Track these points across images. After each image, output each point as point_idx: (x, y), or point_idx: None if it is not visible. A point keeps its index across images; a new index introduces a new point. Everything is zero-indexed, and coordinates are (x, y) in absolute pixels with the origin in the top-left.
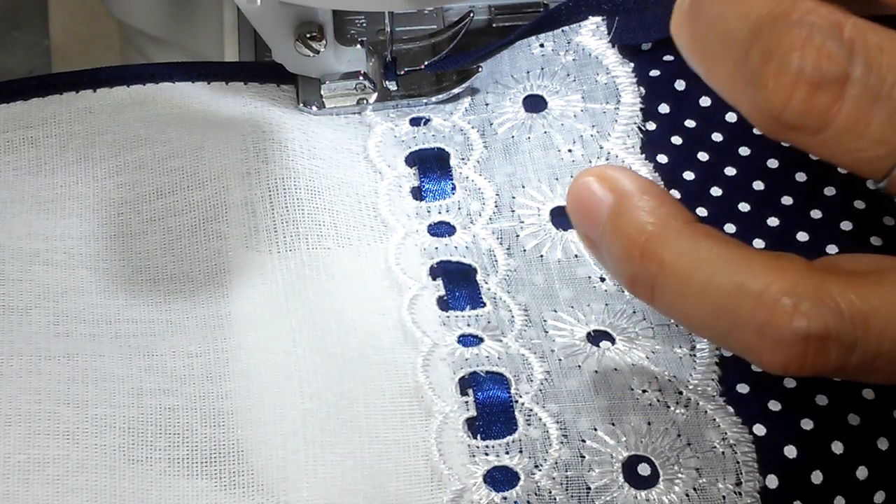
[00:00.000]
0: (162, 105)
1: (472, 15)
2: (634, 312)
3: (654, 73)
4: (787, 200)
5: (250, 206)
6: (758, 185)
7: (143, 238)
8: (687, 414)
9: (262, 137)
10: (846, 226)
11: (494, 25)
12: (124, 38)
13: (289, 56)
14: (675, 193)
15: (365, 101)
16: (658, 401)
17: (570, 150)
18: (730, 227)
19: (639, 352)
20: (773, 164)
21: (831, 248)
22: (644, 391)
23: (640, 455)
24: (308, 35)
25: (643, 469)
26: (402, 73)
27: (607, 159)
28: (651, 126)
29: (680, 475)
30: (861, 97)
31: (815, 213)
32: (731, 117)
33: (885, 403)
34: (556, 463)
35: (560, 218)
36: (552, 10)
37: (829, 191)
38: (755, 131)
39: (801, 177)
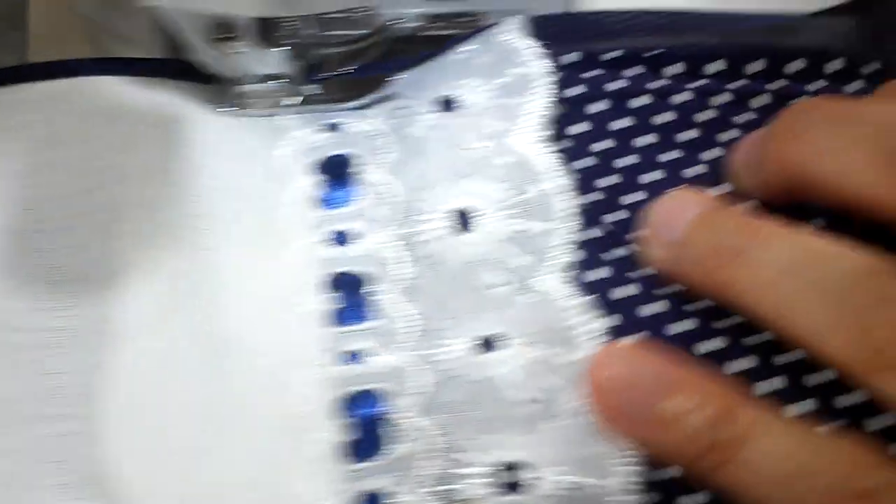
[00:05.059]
0: (84, 101)
1: (395, 22)
2: (526, 321)
3: (575, 90)
4: None
5: (157, 205)
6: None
7: (52, 238)
8: (574, 423)
9: (178, 136)
10: None
11: (426, 34)
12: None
13: (206, 56)
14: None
15: (283, 105)
16: (535, 413)
17: (476, 148)
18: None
19: (524, 361)
20: (697, 170)
21: None
22: (521, 402)
23: (517, 461)
24: (224, 36)
25: (519, 475)
26: (324, 77)
27: (511, 156)
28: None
29: (559, 476)
30: None
31: None
32: (644, 140)
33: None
34: (428, 477)
35: (462, 217)
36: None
37: None
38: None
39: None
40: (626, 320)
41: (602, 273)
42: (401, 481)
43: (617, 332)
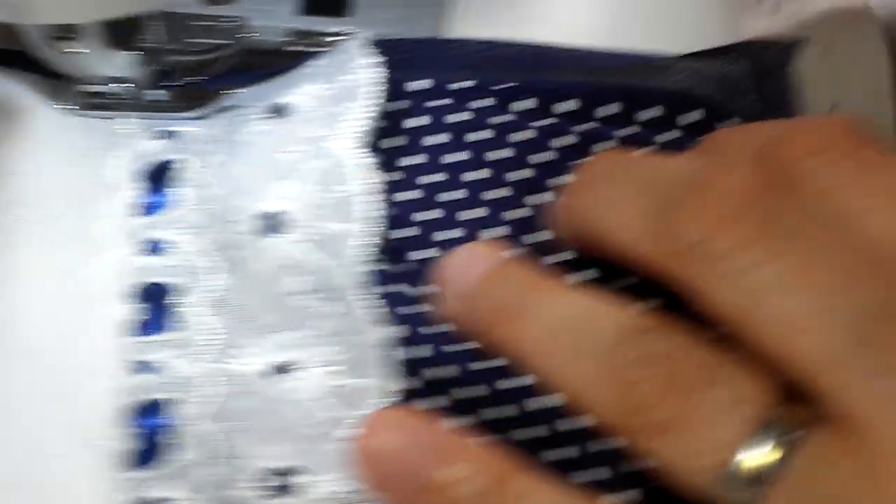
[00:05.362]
0: None
1: (245, 36)
2: (334, 335)
3: (417, 121)
4: None
5: None
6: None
7: None
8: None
9: (6, 126)
10: None
11: (288, 49)
12: None
13: (48, 53)
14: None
15: (124, 109)
16: (319, 435)
17: (292, 151)
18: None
19: (322, 387)
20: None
21: None
22: (308, 426)
23: (292, 466)
24: (62, 36)
25: (290, 479)
26: (171, 85)
27: (325, 158)
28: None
29: (336, 483)
30: None
31: None
32: (475, 175)
33: None
34: (204, 483)
35: (272, 221)
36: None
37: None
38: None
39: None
40: (413, 333)
41: (396, 287)
42: (181, 488)
43: (404, 343)
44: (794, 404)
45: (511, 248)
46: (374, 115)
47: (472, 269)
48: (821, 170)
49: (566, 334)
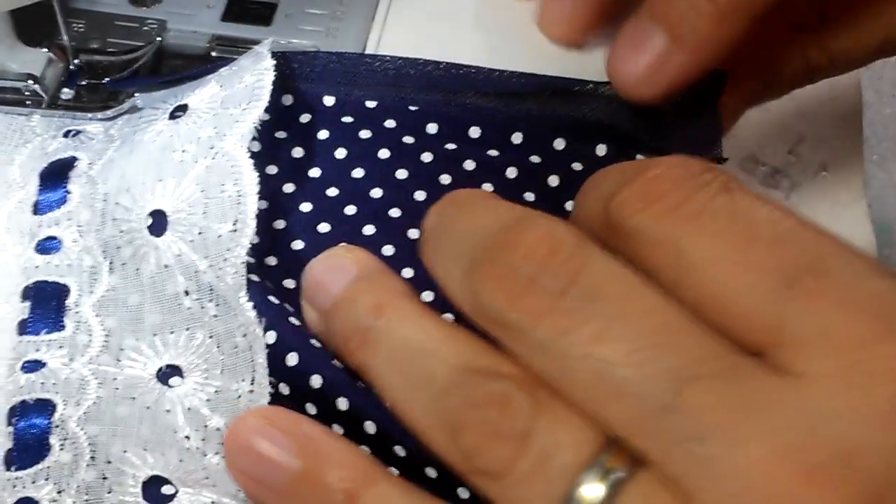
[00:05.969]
0: None
1: (157, 40)
2: (211, 337)
3: (326, 133)
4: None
5: None
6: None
7: None
8: (223, 464)
9: None
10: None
11: (213, 55)
12: None
13: None
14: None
15: (33, 107)
16: (197, 448)
17: (183, 151)
18: None
19: (202, 394)
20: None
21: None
22: (187, 437)
23: (163, 476)
24: None
25: (167, 489)
26: (81, 84)
27: (213, 158)
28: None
29: (206, 496)
30: None
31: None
32: (375, 193)
33: None
34: (79, 487)
35: (157, 220)
36: None
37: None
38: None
39: (407, 272)
40: (284, 340)
41: (272, 294)
42: (58, 490)
43: (275, 349)
44: (621, 447)
45: (375, 255)
46: (263, 119)
47: (333, 282)
48: (650, 226)
49: (404, 366)
